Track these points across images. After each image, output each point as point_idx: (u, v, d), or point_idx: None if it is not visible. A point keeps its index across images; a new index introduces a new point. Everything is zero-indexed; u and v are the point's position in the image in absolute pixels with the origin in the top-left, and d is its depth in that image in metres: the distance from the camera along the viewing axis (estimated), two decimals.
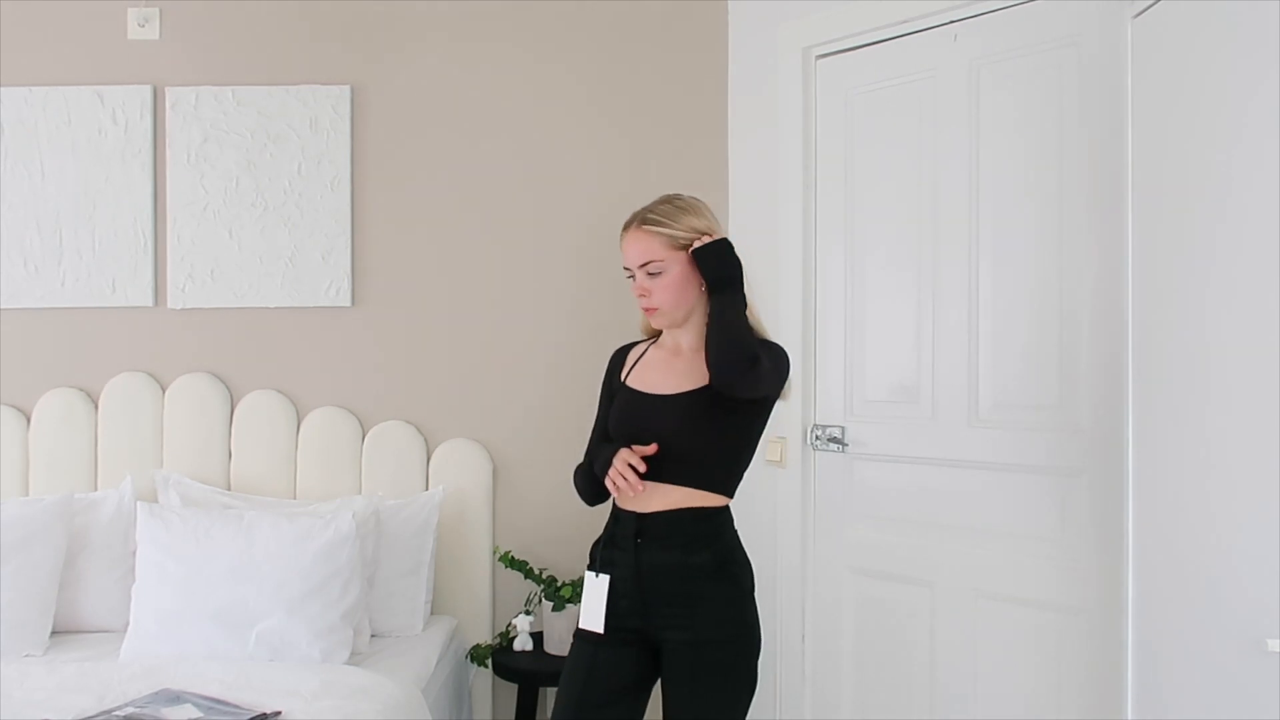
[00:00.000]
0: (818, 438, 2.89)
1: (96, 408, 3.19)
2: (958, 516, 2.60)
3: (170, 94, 3.21)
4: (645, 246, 2.03)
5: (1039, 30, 2.44)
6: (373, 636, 2.88)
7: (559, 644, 2.94)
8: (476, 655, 3.03)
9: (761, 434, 2.11)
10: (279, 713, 2.29)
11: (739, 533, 2.12)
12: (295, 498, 3.17)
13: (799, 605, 2.93)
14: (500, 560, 3.11)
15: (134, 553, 2.90)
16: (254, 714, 2.27)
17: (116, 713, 2.26)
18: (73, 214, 3.20)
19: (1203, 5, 1.85)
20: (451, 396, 3.20)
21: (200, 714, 2.26)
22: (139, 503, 2.94)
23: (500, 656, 2.99)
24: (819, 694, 2.92)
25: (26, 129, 3.21)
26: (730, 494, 2.11)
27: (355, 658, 2.71)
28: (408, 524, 3.02)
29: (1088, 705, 2.33)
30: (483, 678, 3.15)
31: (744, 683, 2.00)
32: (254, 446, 3.16)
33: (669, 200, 2.07)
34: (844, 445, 2.84)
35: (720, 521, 2.08)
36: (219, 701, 2.33)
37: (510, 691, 3.07)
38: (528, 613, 3.03)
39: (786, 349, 2.10)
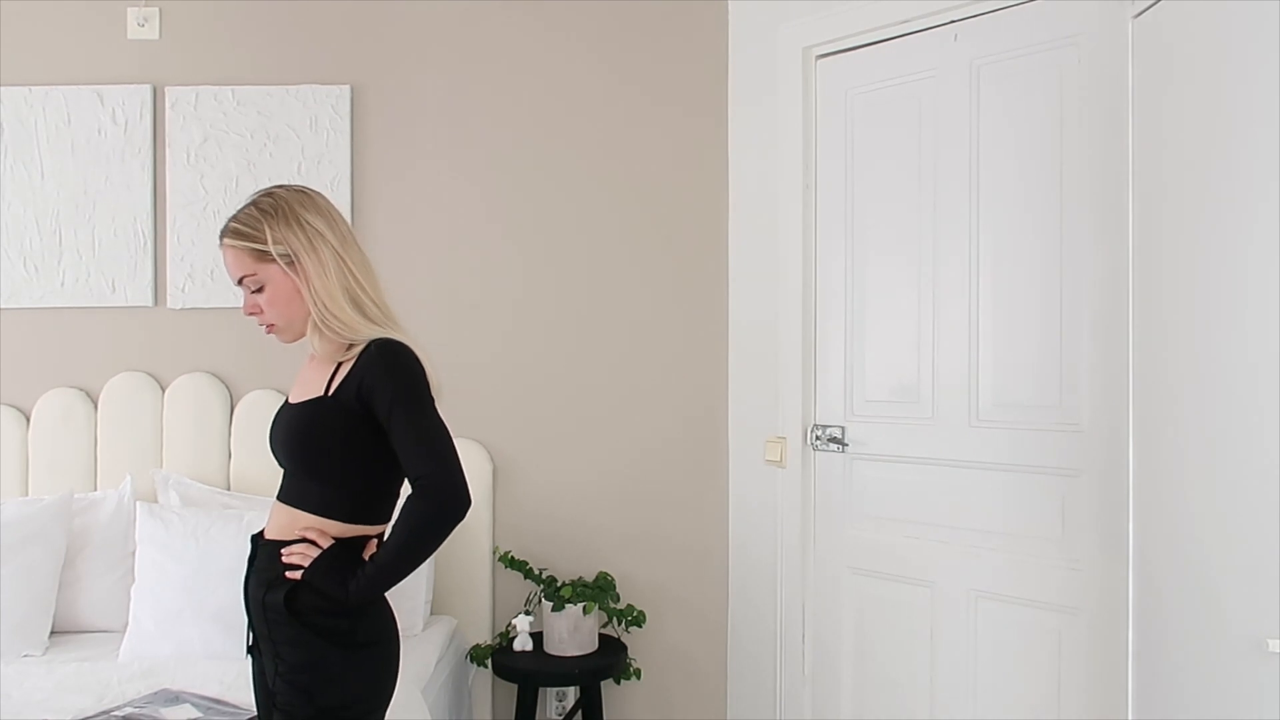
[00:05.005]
0: (818, 438, 2.89)
1: (96, 408, 3.19)
2: (958, 516, 2.60)
3: (170, 94, 3.21)
4: (234, 260, 1.76)
5: (1039, 30, 2.44)
6: None
7: (559, 644, 2.94)
8: (476, 655, 3.03)
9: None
10: None
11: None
12: None
13: (799, 605, 2.93)
14: (500, 560, 3.11)
15: (134, 553, 2.90)
16: (253, 714, 2.27)
17: (116, 713, 2.26)
18: (73, 214, 3.20)
19: (1203, 5, 1.85)
20: (451, 396, 3.17)
21: (199, 714, 2.26)
22: (139, 503, 2.94)
23: (500, 656, 2.98)
24: (819, 694, 2.92)
25: (26, 129, 3.21)
26: (361, 521, 1.76)
27: None
28: None
29: (1088, 706, 2.33)
30: (483, 678, 3.15)
31: None
32: (254, 446, 3.16)
33: (255, 202, 1.77)
34: (844, 445, 2.84)
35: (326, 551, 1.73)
36: (218, 701, 2.33)
37: (510, 691, 3.07)
38: (527, 613, 3.03)
39: (408, 350, 1.76)
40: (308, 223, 1.75)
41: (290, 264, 1.74)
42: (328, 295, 1.73)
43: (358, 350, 1.74)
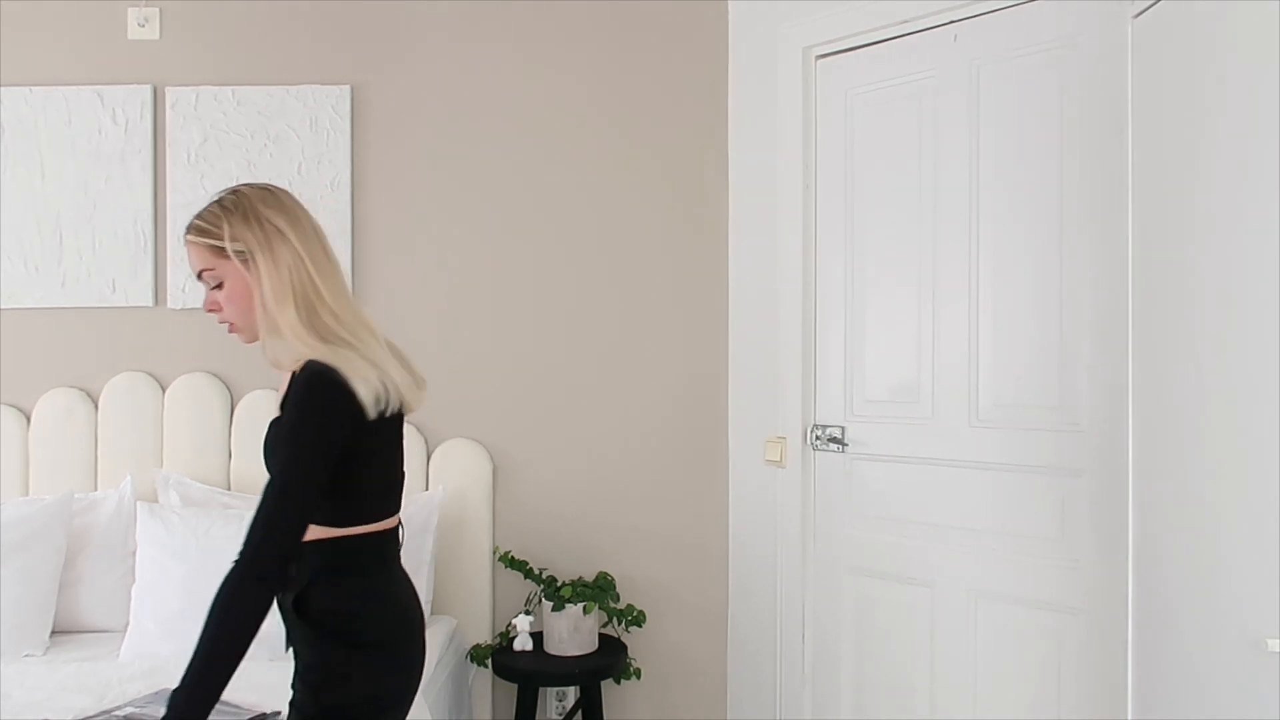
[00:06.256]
0: (818, 438, 2.89)
1: (96, 408, 3.19)
2: (958, 516, 2.60)
3: (170, 94, 3.21)
4: (194, 255, 1.73)
5: (1039, 30, 2.44)
6: None
7: (559, 644, 2.94)
8: (476, 655, 3.03)
9: (318, 461, 1.63)
10: (279, 712, 2.29)
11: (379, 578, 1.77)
12: None
13: (799, 605, 2.93)
14: (500, 560, 3.11)
15: (134, 553, 2.90)
16: (254, 714, 2.27)
17: (116, 713, 2.26)
18: (73, 214, 3.20)
19: (1203, 5, 1.85)
20: (451, 396, 3.20)
21: None
22: (139, 503, 2.94)
23: (500, 656, 2.98)
24: (819, 694, 2.92)
25: (26, 129, 3.21)
26: (344, 524, 1.72)
27: None
28: (408, 524, 2.99)
29: (1088, 705, 2.33)
30: (483, 678, 3.15)
31: None
32: (254, 446, 3.15)
33: (219, 199, 1.74)
34: (844, 445, 2.84)
35: (305, 554, 1.68)
36: (219, 701, 2.33)
37: (510, 691, 3.07)
38: (528, 613, 3.03)
39: (326, 376, 1.63)
40: (268, 220, 1.70)
41: (245, 261, 1.69)
42: (276, 297, 1.67)
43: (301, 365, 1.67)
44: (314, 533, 1.69)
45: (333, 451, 1.62)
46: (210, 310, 1.76)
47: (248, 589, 1.59)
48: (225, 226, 1.70)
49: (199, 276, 1.75)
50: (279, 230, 1.70)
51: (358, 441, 1.66)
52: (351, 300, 1.77)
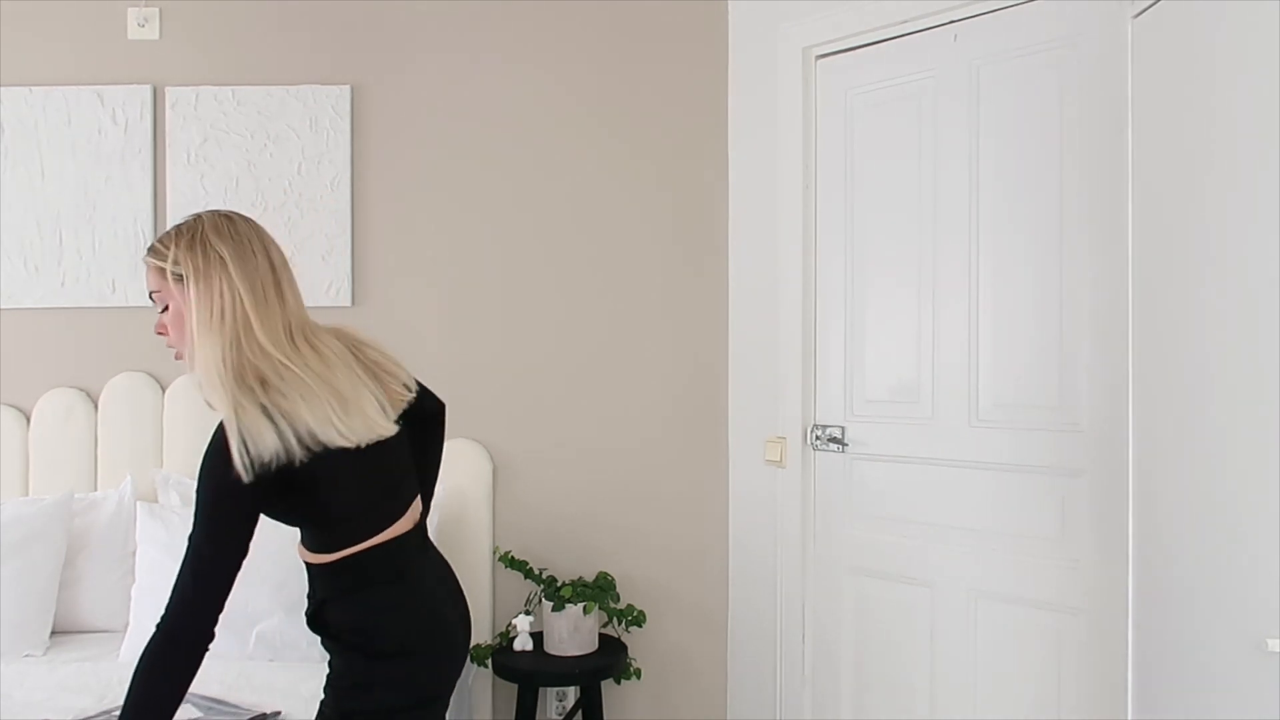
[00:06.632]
0: (818, 438, 2.89)
1: (96, 408, 3.19)
2: (958, 516, 2.60)
3: (170, 94, 3.21)
4: (148, 275, 1.71)
5: (1039, 30, 2.44)
6: None
7: (559, 644, 2.94)
8: (476, 655, 3.03)
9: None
10: (279, 713, 2.30)
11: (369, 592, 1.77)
12: None
13: (799, 605, 2.94)
14: (500, 560, 3.11)
15: (134, 553, 2.90)
16: (254, 714, 2.27)
17: (116, 713, 2.26)
18: (73, 214, 3.20)
19: (1203, 5, 1.85)
20: (451, 396, 3.18)
21: (200, 714, 2.26)
22: (139, 503, 2.94)
23: (500, 656, 2.98)
24: (819, 694, 2.92)
25: (26, 129, 3.20)
26: (323, 551, 1.74)
27: None
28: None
29: (1088, 705, 2.33)
30: (483, 678, 3.15)
31: None
32: None
33: (180, 224, 1.71)
34: (844, 445, 2.84)
35: (312, 576, 1.78)
36: (219, 701, 2.33)
37: (510, 691, 3.07)
38: (528, 613, 3.03)
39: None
40: (211, 247, 1.65)
41: (181, 285, 1.65)
42: (200, 327, 1.62)
43: None
44: (314, 557, 1.73)
45: (240, 512, 1.60)
46: (159, 333, 1.72)
47: (166, 652, 1.62)
48: (172, 249, 1.66)
49: (150, 297, 1.72)
50: (220, 259, 1.65)
51: (305, 477, 1.61)
52: (297, 337, 1.69)
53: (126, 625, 2.83)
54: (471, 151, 3.22)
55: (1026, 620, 2.46)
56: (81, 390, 3.20)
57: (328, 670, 1.79)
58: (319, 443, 1.62)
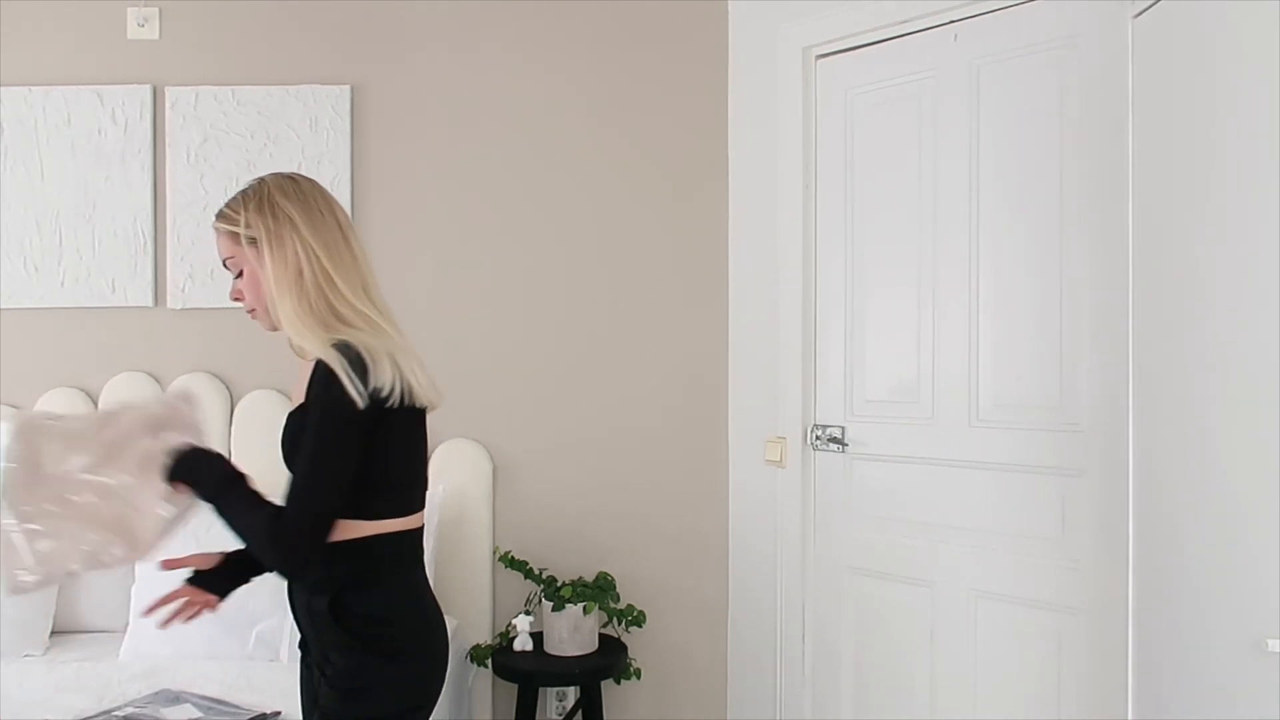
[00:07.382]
0: (818, 438, 2.89)
1: (96, 408, 3.18)
2: (958, 516, 2.60)
3: (170, 94, 3.21)
4: (220, 242, 1.76)
5: (1039, 30, 2.44)
6: None
7: (559, 644, 2.94)
8: (476, 655, 3.03)
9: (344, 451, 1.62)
10: (279, 713, 2.30)
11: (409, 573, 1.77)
12: None
13: (799, 605, 2.93)
14: (500, 560, 3.11)
15: None
16: (254, 714, 2.27)
17: (116, 713, 2.27)
18: (73, 214, 3.20)
19: (1203, 5, 1.85)
20: (451, 396, 3.17)
21: (200, 714, 2.26)
22: None
23: (500, 656, 2.98)
24: (819, 694, 2.92)
25: (26, 129, 3.20)
26: (355, 516, 1.67)
27: None
28: None
29: (1088, 705, 2.33)
30: (483, 678, 3.15)
31: None
32: (254, 446, 3.15)
33: (245, 189, 1.76)
34: (844, 445, 2.84)
35: (336, 558, 1.67)
36: (219, 701, 2.33)
37: (510, 691, 3.07)
38: (528, 613, 3.03)
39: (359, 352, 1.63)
40: (280, 208, 1.70)
41: (255, 248, 1.71)
42: (277, 286, 1.68)
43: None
44: (345, 531, 1.67)
45: (353, 438, 1.61)
46: (235, 299, 1.77)
47: (273, 558, 1.62)
48: (242, 213, 1.71)
49: (224, 264, 1.77)
50: (290, 219, 1.69)
51: (376, 427, 1.64)
52: (375, 295, 1.76)
53: (126, 625, 2.82)
54: (471, 151, 3.22)
55: (1026, 620, 2.46)
56: (81, 390, 3.19)
57: (325, 670, 1.72)
58: (410, 392, 1.66)
